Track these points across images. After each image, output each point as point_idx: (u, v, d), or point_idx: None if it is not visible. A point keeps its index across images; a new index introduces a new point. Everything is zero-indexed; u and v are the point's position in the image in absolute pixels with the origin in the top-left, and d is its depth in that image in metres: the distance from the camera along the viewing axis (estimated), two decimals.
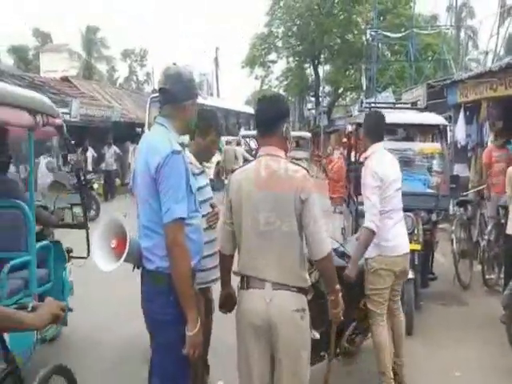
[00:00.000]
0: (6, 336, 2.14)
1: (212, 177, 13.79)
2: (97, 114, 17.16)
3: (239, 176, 2.47)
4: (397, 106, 8.22)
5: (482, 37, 34.67)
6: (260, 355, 2.40)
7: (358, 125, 6.08)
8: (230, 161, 14.71)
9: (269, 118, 2.45)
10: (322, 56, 35.92)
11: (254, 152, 15.40)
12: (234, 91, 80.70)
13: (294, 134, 13.81)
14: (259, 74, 38.08)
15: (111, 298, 5.44)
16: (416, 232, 4.89)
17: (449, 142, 8.51)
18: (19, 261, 3.60)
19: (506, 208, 5.64)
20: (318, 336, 3.06)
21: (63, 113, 9.04)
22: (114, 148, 15.86)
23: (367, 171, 3.52)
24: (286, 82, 37.98)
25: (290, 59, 37.23)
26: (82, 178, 5.25)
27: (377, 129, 3.78)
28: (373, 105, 7.74)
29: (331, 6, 33.20)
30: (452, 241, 6.31)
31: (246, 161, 4.67)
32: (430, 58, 26.64)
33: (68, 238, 4.76)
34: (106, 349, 4.38)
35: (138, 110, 20.79)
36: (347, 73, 35.52)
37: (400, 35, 25.25)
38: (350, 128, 7.25)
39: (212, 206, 3.22)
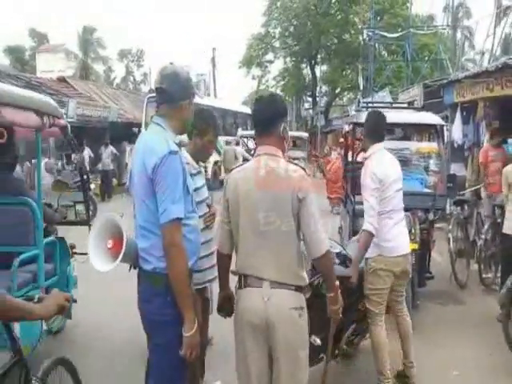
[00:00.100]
0: (16, 326, 2.20)
1: (209, 176, 13.79)
2: (94, 115, 17.13)
3: (236, 175, 2.47)
4: (394, 105, 8.22)
5: (478, 38, 34.77)
6: (258, 354, 2.39)
7: (355, 124, 6.07)
8: (230, 161, 14.72)
9: (266, 117, 2.45)
10: (319, 56, 35.99)
11: (252, 152, 15.40)
12: (231, 91, 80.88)
13: (291, 133, 13.79)
14: (256, 74, 38.22)
15: (111, 297, 5.43)
16: (413, 231, 4.87)
17: (445, 141, 8.52)
18: (28, 255, 3.72)
19: (502, 207, 5.66)
20: (319, 342, 3.04)
21: None
22: (111, 148, 15.84)
23: (367, 172, 3.51)
24: (283, 82, 38.03)
25: (287, 59, 37.31)
26: (85, 176, 5.40)
27: (377, 129, 3.75)
28: (370, 104, 7.75)
29: (328, 6, 33.29)
30: (449, 240, 6.31)
31: (245, 160, 4.68)
32: (426, 58, 26.69)
33: (69, 234, 4.80)
34: (106, 345, 4.41)
35: (135, 110, 20.77)
36: (344, 73, 35.61)
37: (397, 35, 25.36)
38: (346, 128, 7.23)
39: (208, 206, 3.22)
